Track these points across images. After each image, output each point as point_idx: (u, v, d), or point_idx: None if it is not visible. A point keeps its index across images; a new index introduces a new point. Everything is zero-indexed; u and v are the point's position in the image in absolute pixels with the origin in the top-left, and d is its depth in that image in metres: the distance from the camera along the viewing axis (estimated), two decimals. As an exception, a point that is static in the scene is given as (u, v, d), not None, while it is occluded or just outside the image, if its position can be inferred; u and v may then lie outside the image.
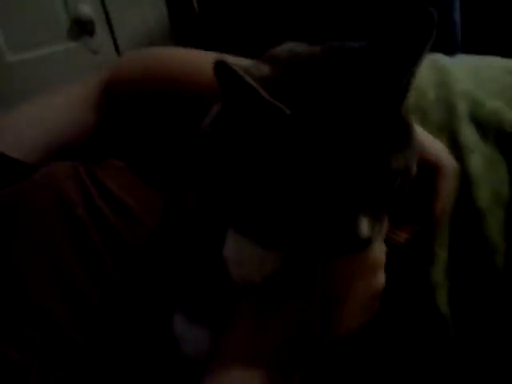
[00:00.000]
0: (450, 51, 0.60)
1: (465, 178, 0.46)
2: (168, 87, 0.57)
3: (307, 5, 1.21)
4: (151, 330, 0.45)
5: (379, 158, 0.33)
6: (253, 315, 0.40)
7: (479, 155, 0.47)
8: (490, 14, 1.15)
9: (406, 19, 0.34)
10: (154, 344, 0.45)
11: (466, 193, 0.46)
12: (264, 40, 0.52)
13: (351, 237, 0.33)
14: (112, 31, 1.58)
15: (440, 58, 0.57)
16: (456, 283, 0.46)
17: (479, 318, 0.46)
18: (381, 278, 0.41)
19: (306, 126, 0.32)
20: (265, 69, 0.35)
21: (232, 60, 0.31)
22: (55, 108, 0.61)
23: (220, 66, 0.31)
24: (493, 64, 0.55)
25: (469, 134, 0.47)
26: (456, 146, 0.47)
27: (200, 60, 0.55)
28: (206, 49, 0.58)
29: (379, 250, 0.41)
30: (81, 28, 1.51)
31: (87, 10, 1.49)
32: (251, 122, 0.33)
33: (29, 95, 0.63)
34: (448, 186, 0.43)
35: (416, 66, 0.34)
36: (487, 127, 0.47)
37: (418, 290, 0.47)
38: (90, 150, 0.61)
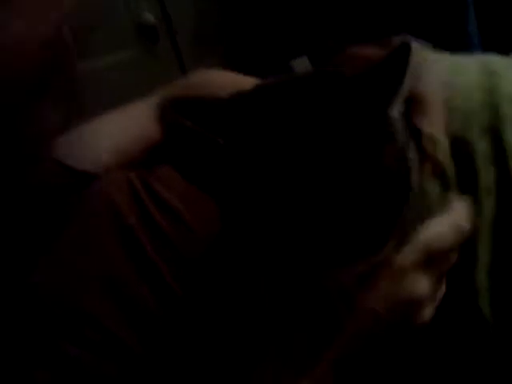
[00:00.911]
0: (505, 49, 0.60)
1: (507, 181, 0.46)
2: None
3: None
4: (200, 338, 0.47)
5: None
6: None
7: None
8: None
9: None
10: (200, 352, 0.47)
11: (508, 198, 0.46)
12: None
13: None
14: (174, 38, 1.63)
15: (491, 59, 0.56)
16: (499, 286, 0.46)
17: None
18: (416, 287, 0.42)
19: (236, 154, 0.37)
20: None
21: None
22: (124, 123, 0.64)
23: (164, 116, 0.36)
24: None
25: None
26: (500, 149, 0.47)
27: None
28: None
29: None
30: (144, 35, 1.57)
31: (151, 17, 1.56)
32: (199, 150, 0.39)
33: (95, 104, 0.67)
34: None
35: (390, 104, 0.35)
36: None
37: (461, 294, 0.47)
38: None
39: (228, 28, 1.71)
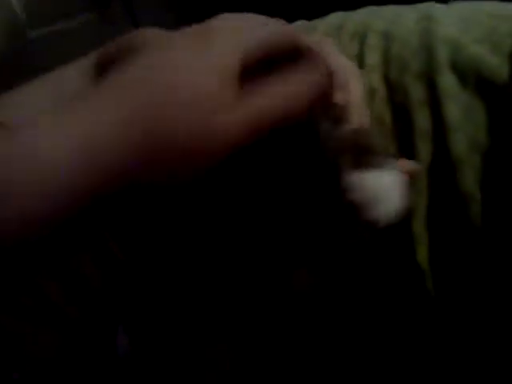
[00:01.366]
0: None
1: (442, 126, 0.46)
2: None
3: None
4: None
5: None
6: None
7: (457, 102, 0.46)
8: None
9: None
10: None
11: (442, 141, 0.46)
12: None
13: None
14: (128, 2, 1.60)
15: (429, 7, 0.56)
16: (436, 236, 0.46)
17: (458, 272, 0.46)
18: None
19: None
20: None
21: None
22: (67, 80, 0.63)
23: None
24: (482, 8, 0.53)
25: (447, 81, 0.47)
26: (434, 94, 0.47)
27: None
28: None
29: None
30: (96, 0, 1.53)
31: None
32: None
33: (50, 70, 0.67)
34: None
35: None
36: (466, 73, 0.46)
37: (398, 243, 0.47)
38: None
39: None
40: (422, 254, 0.46)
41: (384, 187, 0.37)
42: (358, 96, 0.45)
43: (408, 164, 0.41)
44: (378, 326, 0.49)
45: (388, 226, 0.39)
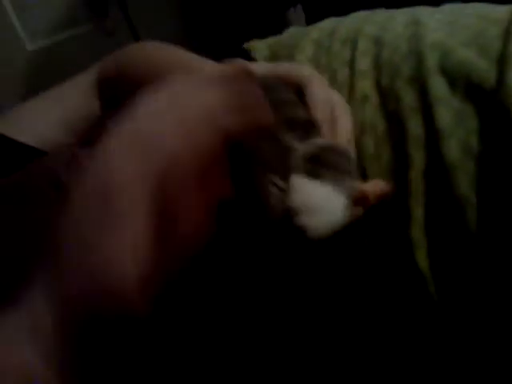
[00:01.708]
0: (434, 2, 0.59)
1: (434, 132, 0.46)
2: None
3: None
4: None
5: None
6: None
7: (448, 108, 0.46)
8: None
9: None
10: None
11: (435, 147, 0.46)
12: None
13: None
14: (126, 11, 1.60)
15: (418, 11, 0.56)
16: (434, 241, 0.46)
17: (458, 276, 0.46)
18: None
19: None
20: None
21: None
22: (69, 95, 0.64)
23: None
24: (470, 10, 0.53)
25: (437, 86, 0.47)
26: (426, 100, 0.47)
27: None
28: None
29: None
30: (94, 10, 1.54)
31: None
32: None
33: (49, 82, 0.67)
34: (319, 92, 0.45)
35: None
36: (456, 78, 0.46)
37: (397, 249, 0.47)
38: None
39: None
40: (422, 258, 0.46)
41: (323, 199, 0.37)
42: (347, 130, 0.46)
43: (378, 186, 0.40)
44: (381, 329, 0.49)
45: (319, 239, 0.38)
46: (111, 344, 0.31)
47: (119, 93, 0.62)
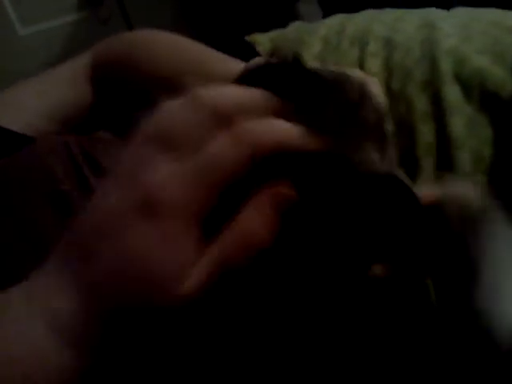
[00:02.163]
0: (445, 4, 0.58)
1: (446, 140, 0.44)
2: (149, 77, 0.57)
3: None
4: None
5: None
6: None
7: (462, 116, 0.44)
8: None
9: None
10: None
11: (446, 156, 0.44)
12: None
13: None
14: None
15: (431, 13, 0.55)
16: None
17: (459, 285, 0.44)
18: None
19: None
20: None
21: None
22: (56, 81, 0.62)
23: None
24: (485, 16, 0.52)
25: (452, 93, 0.45)
26: (439, 107, 0.45)
27: (188, 58, 0.55)
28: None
29: None
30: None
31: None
32: None
33: (40, 68, 0.65)
34: None
35: None
36: (471, 86, 0.45)
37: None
38: (89, 124, 0.61)
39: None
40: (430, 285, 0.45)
41: None
42: None
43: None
44: (381, 336, 0.47)
45: None
46: (137, 332, 0.31)
47: (116, 79, 0.61)
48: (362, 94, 0.37)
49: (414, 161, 0.46)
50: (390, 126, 0.39)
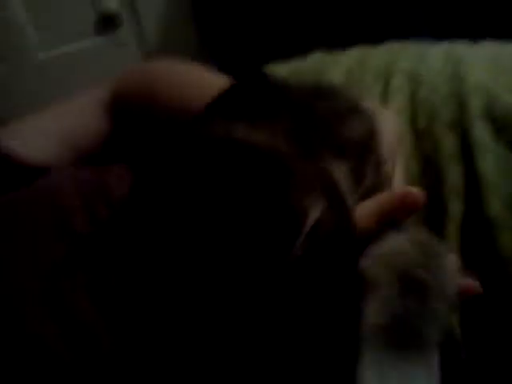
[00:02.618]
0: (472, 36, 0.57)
1: (475, 181, 0.43)
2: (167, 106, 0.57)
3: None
4: None
5: None
6: None
7: (491, 156, 0.43)
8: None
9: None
10: None
11: (476, 199, 0.43)
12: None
13: None
14: (139, 24, 1.59)
15: (457, 47, 0.53)
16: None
17: (491, 336, 0.43)
18: None
19: None
20: None
21: None
22: (69, 114, 0.62)
23: None
24: (510, 51, 0.51)
25: (481, 133, 0.44)
26: (467, 146, 0.44)
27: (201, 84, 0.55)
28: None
29: None
30: (108, 23, 1.53)
31: (114, 4, 1.52)
32: None
33: (60, 93, 0.65)
34: None
35: None
36: (500, 125, 0.43)
37: None
38: (103, 159, 0.61)
39: (201, 15, 1.65)
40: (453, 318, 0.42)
41: None
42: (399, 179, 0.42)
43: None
44: None
45: None
46: None
47: (136, 111, 0.60)
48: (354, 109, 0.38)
49: (441, 202, 0.44)
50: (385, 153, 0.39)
